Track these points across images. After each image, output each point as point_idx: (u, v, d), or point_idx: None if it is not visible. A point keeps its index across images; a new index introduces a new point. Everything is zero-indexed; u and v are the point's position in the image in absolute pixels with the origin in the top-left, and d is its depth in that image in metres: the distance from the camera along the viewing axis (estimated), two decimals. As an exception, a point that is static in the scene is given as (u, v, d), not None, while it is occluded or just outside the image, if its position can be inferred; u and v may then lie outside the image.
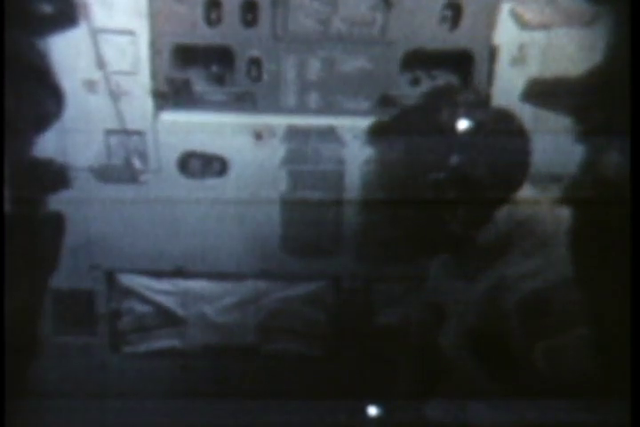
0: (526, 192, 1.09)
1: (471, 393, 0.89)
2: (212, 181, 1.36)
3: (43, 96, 1.26)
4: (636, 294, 0.74)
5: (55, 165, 1.31)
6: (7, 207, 1.23)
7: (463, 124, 0.97)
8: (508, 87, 1.26)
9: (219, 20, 1.24)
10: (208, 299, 1.47)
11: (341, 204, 1.38)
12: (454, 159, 0.98)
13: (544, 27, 1.22)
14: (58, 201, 1.34)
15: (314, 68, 1.30)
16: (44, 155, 1.30)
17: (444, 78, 1.31)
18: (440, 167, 1.00)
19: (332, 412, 1.01)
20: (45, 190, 1.34)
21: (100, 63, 1.24)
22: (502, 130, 1.02)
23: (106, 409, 1.30)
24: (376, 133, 1.15)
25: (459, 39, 1.24)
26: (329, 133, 1.34)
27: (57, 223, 1.36)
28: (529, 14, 1.21)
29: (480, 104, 1.26)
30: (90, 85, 1.26)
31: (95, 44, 1.22)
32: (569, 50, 1.21)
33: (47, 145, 1.29)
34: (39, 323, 1.40)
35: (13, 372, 1.22)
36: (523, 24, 1.22)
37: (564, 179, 1.27)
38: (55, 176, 1.33)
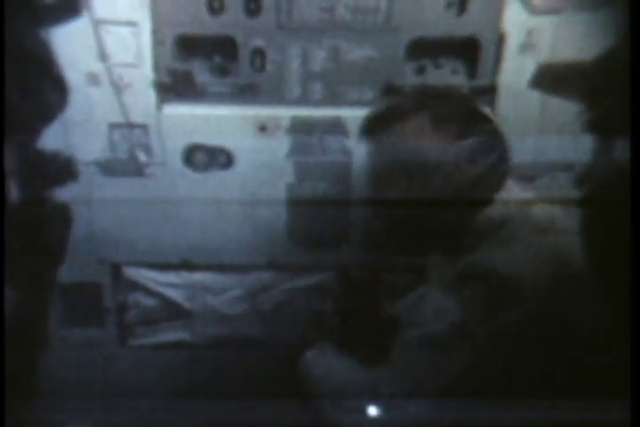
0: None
1: (474, 390, 0.87)
2: (217, 174, 1.35)
3: (47, 88, 1.25)
4: (637, 294, 0.72)
5: (61, 157, 1.31)
6: (13, 201, 1.23)
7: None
8: (516, 74, 1.24)
9: (221, 10, 1.22)
10: (215, 291, 1.47)
11: (348, 195, 1.37)
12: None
13: (553, 11, 1.19)
14: (64, 194, 1.34)
15: (318, 57, 1.28)
16: (49, 148, 1.29)
17: (450, 66, 1.29)
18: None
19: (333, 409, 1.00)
20: (52, 183, 1.34)
21: (102, 55, 1.24)
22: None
23: (112, 405, 1.30)
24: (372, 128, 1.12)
25: (465, 25, 1.22)
26: (334, 124, 1.32)
27: (64, 216, 1.36)
28: (537, -2, 1.18)
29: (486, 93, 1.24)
30: (92, 78, 1.25)
31: (97, 35, 1.22)
32: (579, 35, 1.18)
33: (51, 138, 1.29)
34: (49, 318, 1.41)
35: (22, 370, 1.22)
36: (531, 9, 1.19)
37: (575, 169, 1.25)
38: (61, 169, 1.33)
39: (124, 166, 1.34)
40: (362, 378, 1.01)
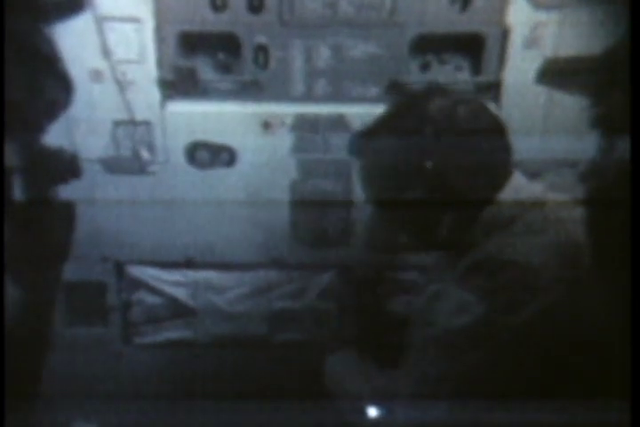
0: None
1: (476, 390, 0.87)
2: (220, 172, 1.35)
3: (52, 85, 1.25)
4: (636, 295, 0.72)
5: (65, 155, 1.31)
6: (18, 199, 1.23)
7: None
8: (520, 70, 1.23)
9: (224, 6, 1.22)
10: (219, 289, 1.46)
11: (351, 192, 1.36)
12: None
13: (557, 6, 1.18)
14: (68, 192, 1.33)
15: (322, 54, 1.28)
16: (52, 145, 1.29)
17: (454, 62, 1.29)
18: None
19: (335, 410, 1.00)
20: (55, 181, 1.33)
21: (106, 52, 1.24)
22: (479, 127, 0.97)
23: (116, 403, 1.30)
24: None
25: (470, 21, 1.21)
26: (338, 121, 1.32)
27: (68, 214, 1.35)
28: (542, -6, 1.17)
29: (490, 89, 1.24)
30: (96, 75, 1.25)
31: (100, 32, 1.21)
32: (584, 29, 1.18)
33: (55, 136, 1.28)
34: (54, 317, 1.40)
35: (28, 369, 1.22)
36: (535, 4, 1.19)
37: (579, 165, 1.24)
38: (65, 166, 1.32)
39: (128, 164, 1.34)
40: (366, 378, 1.00)
